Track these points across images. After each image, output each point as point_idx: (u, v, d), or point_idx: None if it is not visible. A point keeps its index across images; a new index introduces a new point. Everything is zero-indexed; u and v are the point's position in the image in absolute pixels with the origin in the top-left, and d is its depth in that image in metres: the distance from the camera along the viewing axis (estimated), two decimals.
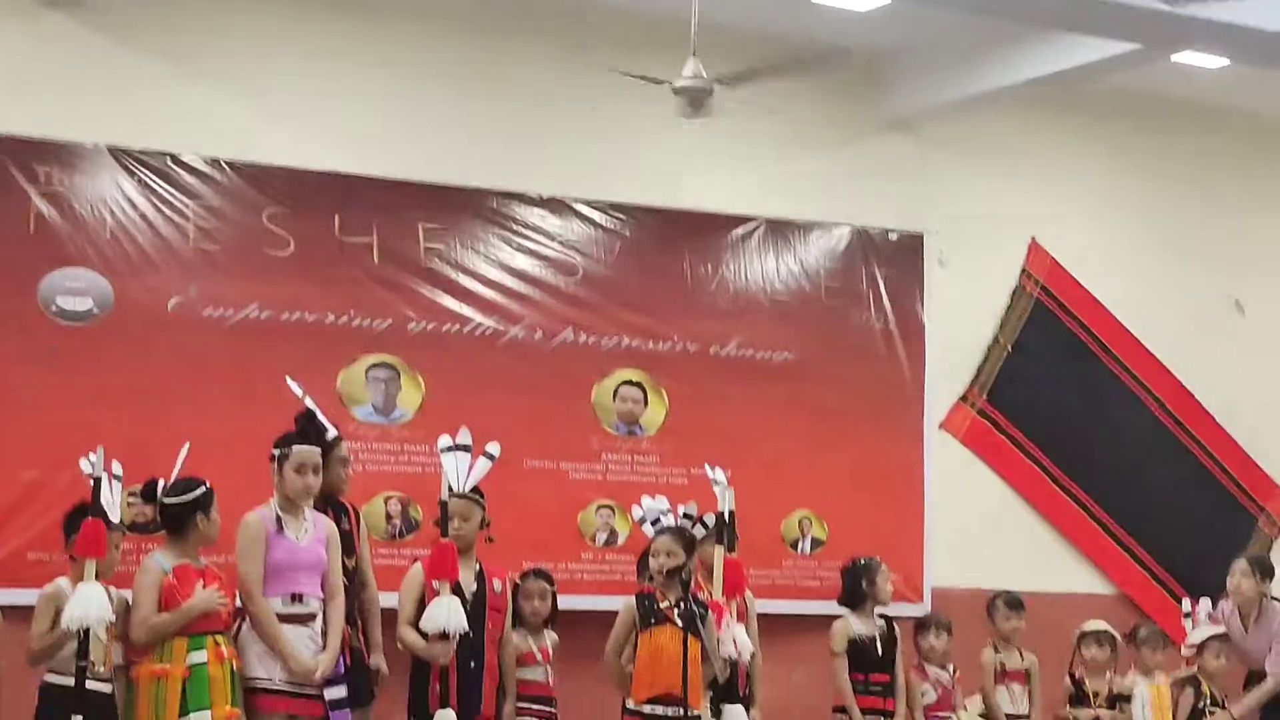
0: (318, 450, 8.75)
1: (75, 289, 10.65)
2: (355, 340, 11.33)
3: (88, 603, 7.99)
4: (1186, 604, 11.59)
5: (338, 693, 8.60)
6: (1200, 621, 11.27)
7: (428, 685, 8.91)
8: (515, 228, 11.90)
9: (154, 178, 10.89)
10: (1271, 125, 14.46)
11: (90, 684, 8.08)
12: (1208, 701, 10.95)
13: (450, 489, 9.15)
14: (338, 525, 9.11)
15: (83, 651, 8.04)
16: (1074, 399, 13.52)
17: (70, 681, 8.07)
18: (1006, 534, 13.14)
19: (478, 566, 9.18)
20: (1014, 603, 10.85)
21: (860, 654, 10.02)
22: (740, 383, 12.31)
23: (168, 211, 10.92)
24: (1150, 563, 13.63)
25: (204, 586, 8.27)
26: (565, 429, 11.77)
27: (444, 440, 9.29)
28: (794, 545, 12.29)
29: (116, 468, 8.52)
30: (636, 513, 9.65)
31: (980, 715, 10.53)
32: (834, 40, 12.11)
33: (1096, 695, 10.85)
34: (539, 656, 9.42)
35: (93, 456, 8.25)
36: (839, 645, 10.03)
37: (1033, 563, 12.98)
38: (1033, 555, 13.16)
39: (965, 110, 12.83)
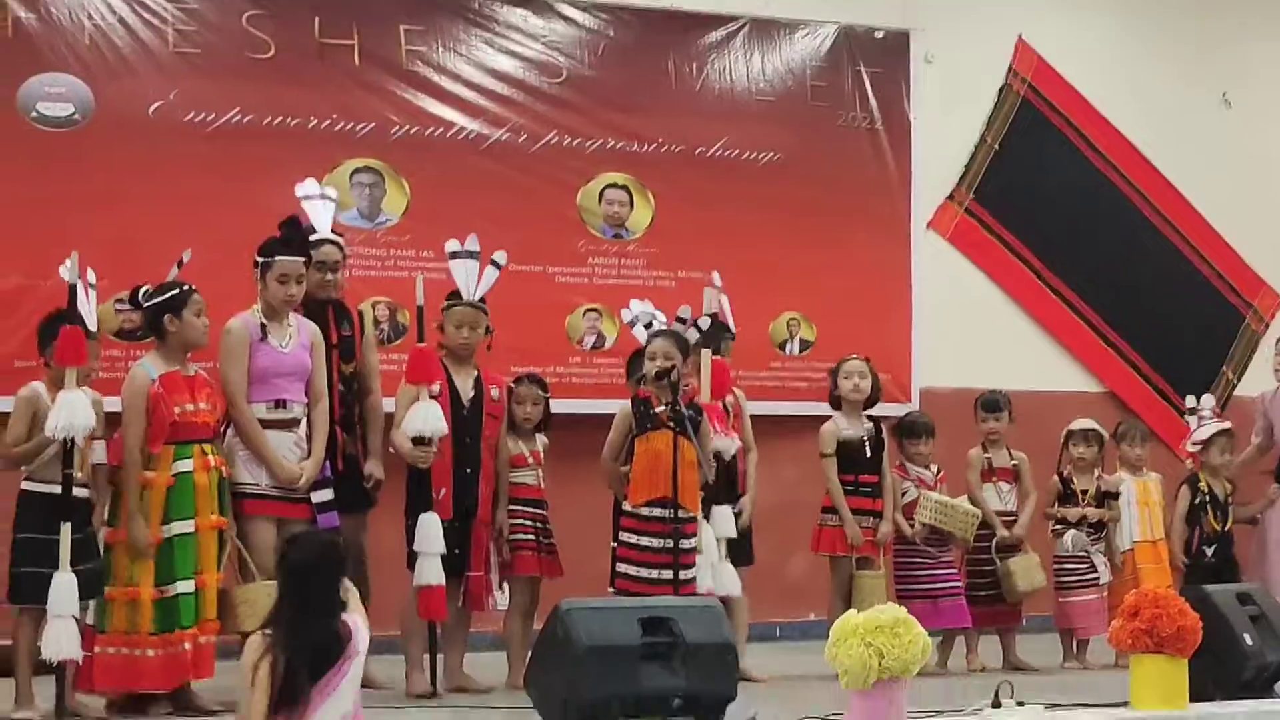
0: (300, 260, 8.67)
1: (55, 94, 10.62)
2: (338, 144, 11.29)
3: (72, 411, 7.91)
4: (1190, 400, 11.61)
5: (324, 495, 8.57)
6: (1204, 418, 11.29)
7: (422, 490, 8.93)
8: (497, 29, 11.82)
9: None
10: None
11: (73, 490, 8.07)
12: (1206, 499, 10.97)
13: (458, 295, 9.15)
14: (337, 330, 9.08)
15: (68, 459, 8.01)
16: (1061, 197, 13.47)
17: (51, 489, 8.03)
18: (994, 333, 13.14)
19: (476, 373, 9.16)
20: (989, 404, 10.82)
21: (849, 455, 10.03)
22: (727, 184, 12.27)
23: (146, 15, 10.87)
24: (1137, 360, 13.67)
25: (193, 396, 8.19)
26: (551, 233, 11.74)
27: (452, 244, 9.24)
28: (782, 346, 12.31)
29: (92, 276, 8.44)
30: (625, 315, 9.60)
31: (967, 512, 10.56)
32: None
33: (1084, 493, 10.88)
34: (530, 459, 9.43)
35: (69, 262, 8.17)
36: (828, 447, 10.04)
37: (1020, 362, 12.99)
38: (1020, 354, 13.17)
39: None
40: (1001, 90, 13.44)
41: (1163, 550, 10.90)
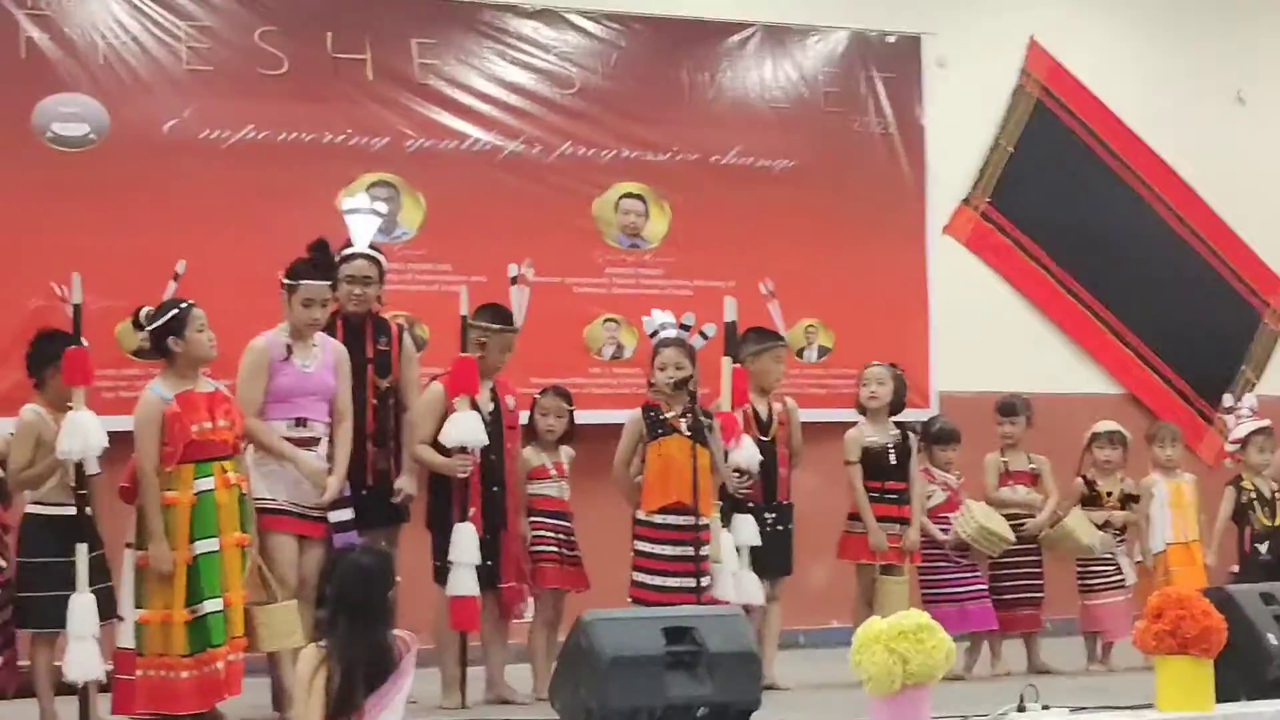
0: (327, 285, 8.67)
1: (70, 115, 10.64)
2: (353, 159, 11.30)
3: (84, 432, 7.94)
4: (1228, 398, 11.56)
5: (343, 515, 8.58)
6: (1243, 417, 11.24)
7: (448, 502, 8.92)
8: (509, 41, 11.83)
9: None
10: None
11: (71, 509, 8.06)
12: (1253, 496, 10.89)
13: (510, 320, 9.23)
14: (374, 344, 9.05)
15: (80, 480, 8.02)
16: (1076, 199, 13.46)
17: (60, 511, 8.07)
18: (1012, 336, 13.14)
19: (491, 384, 9.16)
20: (1006, 408, 10.81)
21: (874, 462, 10.00)
22: (742, 192, 12.28)
23: (160, 33, 10.90)
24: (1155, 361, 13.64)
25: (210, 413, 8.16)
26: (567, 244, 11.74)
27: (513, 269, 9.36)
28: (800, 353, 12.30)
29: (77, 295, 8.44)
30: (648, 325, 9.60)
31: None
32: None
33: (1109, 495, 10.86)
34: (553, 471, 9.43)
35: (64, 288, 8.19)
36: (851, 454, 10.01)
37: (1038, 365, 12.97)
38: (1038, 357, 13.16)
39: None
40: (1015, 93, 13.43)
41: (1196, 552, 10.80)
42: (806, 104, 12.62)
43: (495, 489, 9.01)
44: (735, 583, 9.13)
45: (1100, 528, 10.72)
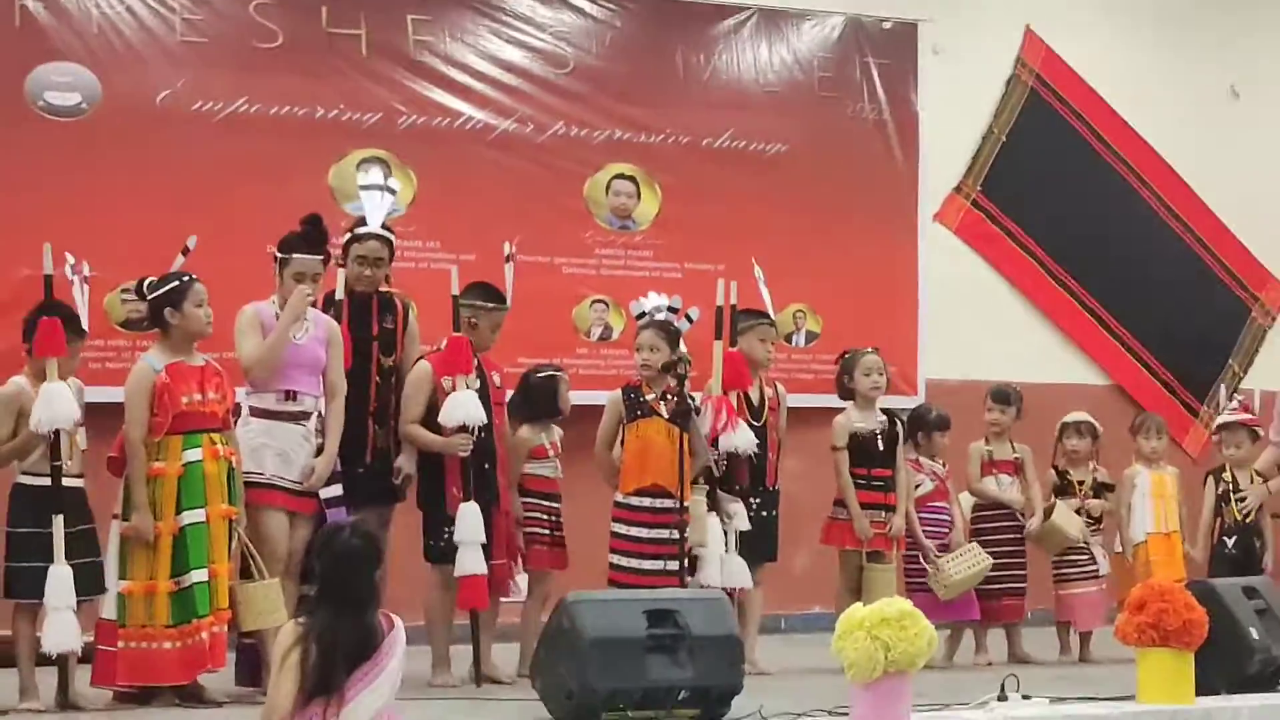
0: (319, 259, 8.66)
1: (63, 83, 10.63)
2: (345, 134, 11.30)
3: (56, 403, 7.92)
4: (1223, 392, 11.58)
5: (333, 491, 8.58)
6: (1224, 409, 11.26)
7: (441, 483, 8.92)
8: (505, 19, 11.82)
9: None
10: None
11: (64, 481, 8.05)
12: (1230, 488, 10.86)
13: (502, 299, 9.25)
14: (379, 323, 9.07)
15: (55, 451, 8.01)
16: (1068, 189, 13.46)
17: (43, 481, 8.05)
18: (1000, 325, 13.15)
19: (476, 361, 9.15)
20: (1000, 395, 10.81)
21: (861, 448, 9.99)
22: (734, 175, 12.28)
23: (154, 4, 10.90)
24: (1143, 353, 13.65)
25: (201, 386, 8.17)
26: (558, 224, 11.74)
27: (507, 247, 9.37)
28: (789, 338, 12.30)
29: (86, 269, 8.44)
30: (634, 308, 9.60)
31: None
32: None
33: (1081, 485, 10.88)
34: (550, 450, 9.44)
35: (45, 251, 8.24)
36: (839, 440, 10.00)
37: (1026, 354, 12.99)
38: (1026, 346, 13.18)
39: None
40: (1009, 81, 13.43)
41: (1176, 543, 10.81)
42: (801, 88, 12.61)
43: (486, 465, 8.99)
44: (723, 566, 9.15)
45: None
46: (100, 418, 8.50)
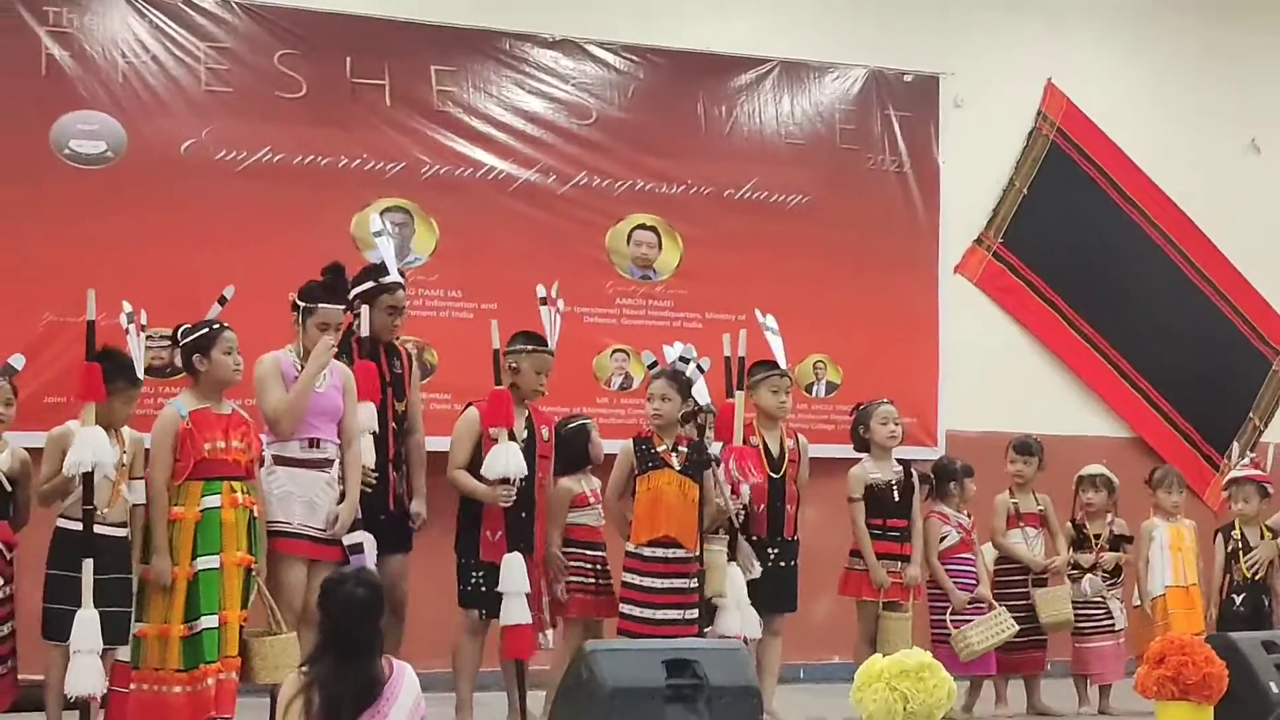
0: (341, 309, 8.72)
1: (88, 132, 10.68)
2: (368, 184, 11.33)
3: (88, 446, 7.95)
4: (1235, 447, 11.55)
5: (355, 538, 8.60)
6: (1236, 465, 11.24)
7: (478, 529, 8.97)
8: (528, 70, 11.86)
9: (165, 19, 10.92)
10: None
11: (100, 528, 8.07)
12: (1239, 546, 10.86)
13: (543, 342, 9.32)
14: (389, 369, 9.12)
15: (88, 495, 8.04)
16: (1089, 242, 13.48)
17: (79, 526, 8.07)
18: (1021, 377, 13.15)
19: (527, 413, 9.19)
20: (1022, 447, 10.84)
21: (877, 498, 10.01)
22: (755, 226, 12.31)
23: (179, 53, 10.94)
24: (1163, 405, 13.63)
25: (225, 433, 8.20)
26: (579, 273, 11.72)
27: (541, 290, 9.43)
28: (809, 389, 12.31)
29: (144, 317, 8.50)
30: (646, 358, 9.66)
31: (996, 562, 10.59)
32: None
33: (1097, 538, 10.87)
34: (590, 498, 9.46)
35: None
36: (855, 490, 10.03)
37: (1047, 406, 13.00)
38: (1047, 398, 13.18)
39: None
40: (1030, 134, 13.46)
41: (1195, 596, 10.80)
42: (822, 140, 12.65)
43: (524, 514, 9.02)
44: (739, 616, 9.16)
45: (1089, 569, 10.76)
46: None
